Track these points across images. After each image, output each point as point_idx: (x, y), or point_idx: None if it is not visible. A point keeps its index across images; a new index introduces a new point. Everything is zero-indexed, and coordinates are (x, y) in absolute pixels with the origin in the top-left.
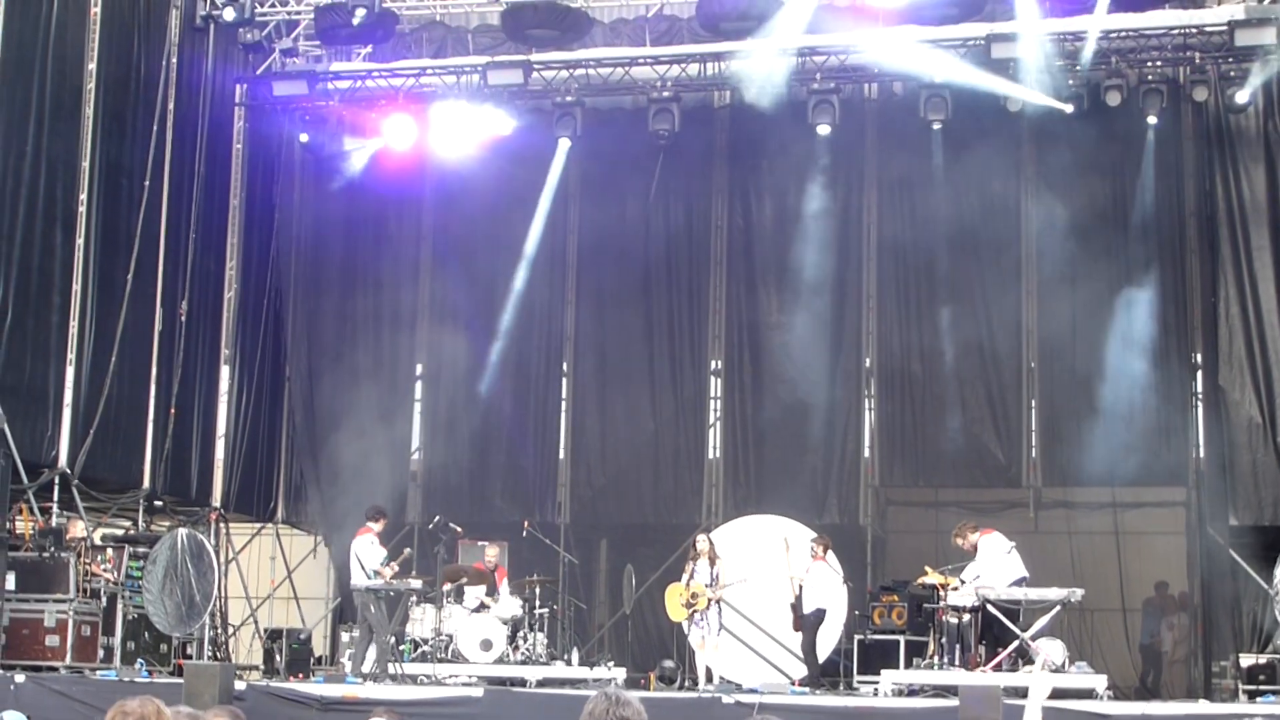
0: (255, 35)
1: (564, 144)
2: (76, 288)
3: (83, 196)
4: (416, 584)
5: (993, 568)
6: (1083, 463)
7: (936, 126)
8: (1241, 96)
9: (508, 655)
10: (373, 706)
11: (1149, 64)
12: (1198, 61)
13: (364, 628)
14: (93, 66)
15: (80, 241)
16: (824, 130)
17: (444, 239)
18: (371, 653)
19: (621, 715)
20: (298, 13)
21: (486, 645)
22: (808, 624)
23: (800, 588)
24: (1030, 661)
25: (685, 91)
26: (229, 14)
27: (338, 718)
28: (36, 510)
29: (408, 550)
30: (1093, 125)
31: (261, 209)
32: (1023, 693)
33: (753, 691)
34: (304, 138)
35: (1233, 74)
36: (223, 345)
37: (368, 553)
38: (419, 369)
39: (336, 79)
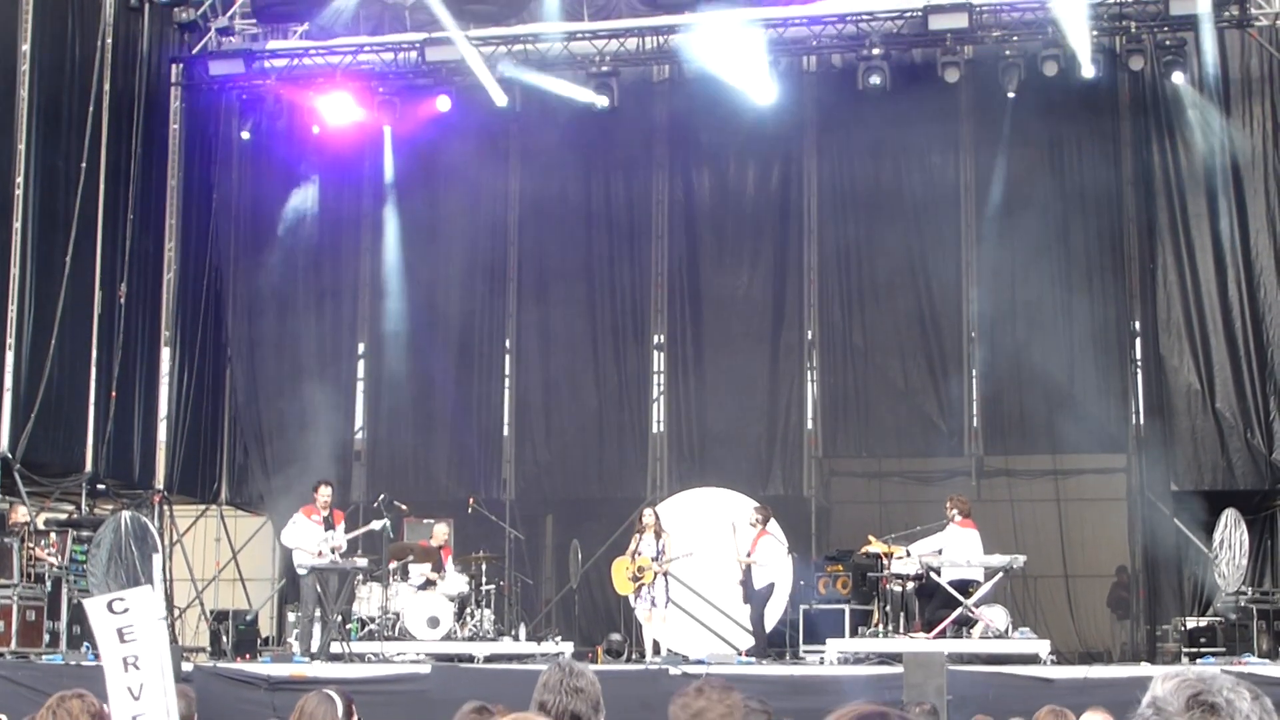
0: (191, 14)
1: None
2: (14, 271)
3: (19, 180)
4: (362, 562)
5: (960, 555)
6: (1024, 431)
7: (875, 98)
8: (1177, 78)
9: (455, 632)
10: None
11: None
12: (1134, 30)
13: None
14: (26, 48)
15: (17, 225)
16: (764, 103)
17: (383, 217)
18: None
19: (575, 686)
20: None
21: (434, 622)
22: (759, 598)
23: (749, 567)
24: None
25: (624, 66)
26: None
27: (286, 697)
28: None
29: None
30: (1030, 95)
31: (200, 189)
32: (967, 659)
33: (700, 663)
34: (245, 134)
35: (1168, 43)
36: (163, 327)
37: (289, 533)
38: (361, 348)
39: (273, 57)
